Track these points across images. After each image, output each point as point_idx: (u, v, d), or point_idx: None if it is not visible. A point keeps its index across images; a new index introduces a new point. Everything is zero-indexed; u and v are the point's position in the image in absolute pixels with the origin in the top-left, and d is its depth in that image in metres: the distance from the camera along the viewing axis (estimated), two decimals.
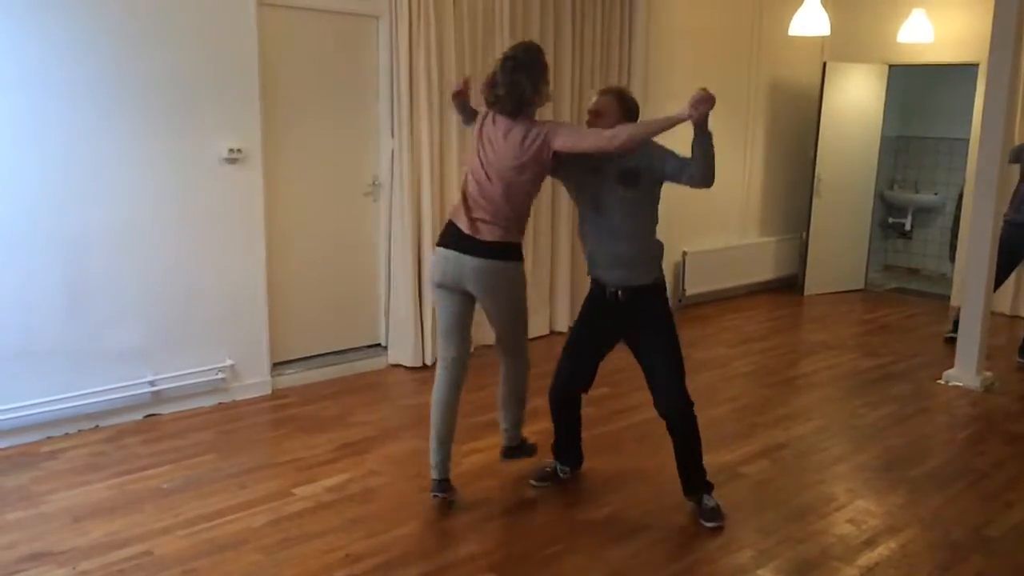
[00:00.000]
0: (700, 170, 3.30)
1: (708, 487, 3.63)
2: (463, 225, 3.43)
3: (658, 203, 3.52)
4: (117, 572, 3.09)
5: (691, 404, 3.52)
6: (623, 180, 3.39)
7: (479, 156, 3.46)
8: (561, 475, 3.88)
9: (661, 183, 3.46)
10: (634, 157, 3.37)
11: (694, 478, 3.62)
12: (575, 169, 3.50)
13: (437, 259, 3.52)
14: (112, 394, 4.42)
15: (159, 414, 4.60)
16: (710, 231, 7.56)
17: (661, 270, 3.56)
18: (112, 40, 4.21)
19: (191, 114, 4.50)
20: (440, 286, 3.52)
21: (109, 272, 4.36)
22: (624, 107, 3.49)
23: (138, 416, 4.53)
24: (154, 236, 4.48)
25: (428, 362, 5.52)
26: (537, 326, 6.20)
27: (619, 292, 3.47)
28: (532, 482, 3.85)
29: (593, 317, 3.62)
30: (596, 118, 3.45)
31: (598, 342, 3.64)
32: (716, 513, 3.55)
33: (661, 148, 3.41)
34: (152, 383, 4.55)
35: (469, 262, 3.41)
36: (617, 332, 3.60)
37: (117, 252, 4.37)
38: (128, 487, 3.76)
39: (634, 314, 3.50)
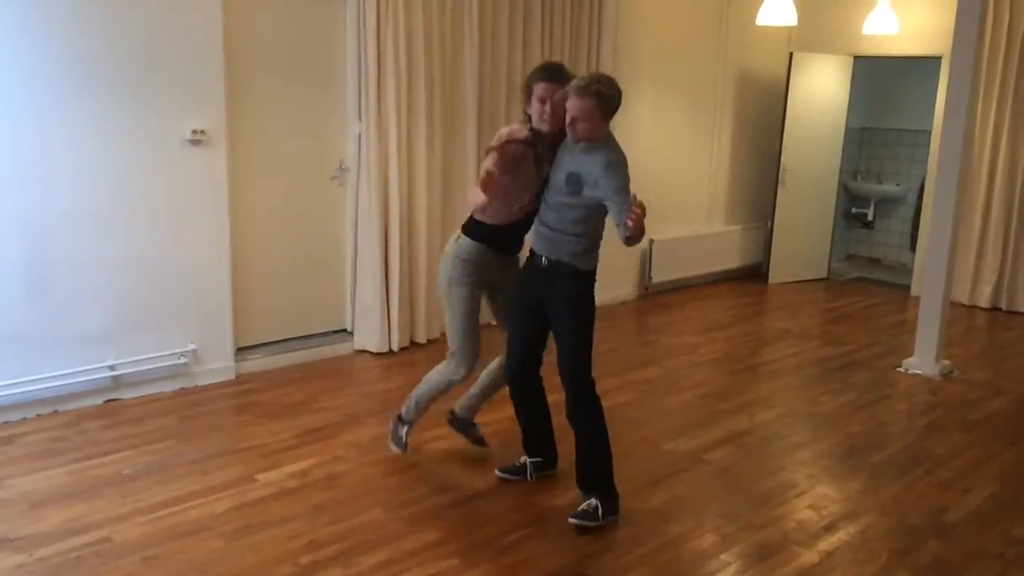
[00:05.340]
0: (625, 236, 3.20)
1: (600, 491, 3.46)
2: None
3: (603, 217, 3.40)
4: (75, 559, 3.04)
5: (585, 392, 3.44)
6: (568, 183, 3.34)
7: None
8: (530, 477, 3.77)
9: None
10: (584, 167, 3.31)
11: (582, 475, 3.52)
12: (553, 165, 3.45)
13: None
14: (72, 378, 4.35)
15: (120, 399, 4.53)
16: (676, 219, 7.59)
17: (584, 262, 3.42)
18: (74, 18, 4.11)
19: (154, 94, 4.42)
20: None
21: (69, 254, 4.27)
22: (605, 110, 3.26)
23: (98, 401, 4.46)
24: (116, 218, 4.40)
25: (394, 348, 5.49)
26: None
27: (543, 258, 3.43)
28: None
29: (524, 280, 3.59)
30: (577, 122, 3.23)
31: (527, 309, 3.56)
32: (588, 515, 3.40)
33: (613, 180, 3.26)
34: (113, 367, 4.48)
35: None
36: (540, 298, 3.51)
37: (78, 234, 4.29)
38: (87, 473, 3.71)
39: (549, 283, 3.44)
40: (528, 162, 3.43)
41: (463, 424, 3.98)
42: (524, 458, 3.82)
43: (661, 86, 7.14)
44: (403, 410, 3.91)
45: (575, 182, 3.33)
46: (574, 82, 3.26)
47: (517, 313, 3.63)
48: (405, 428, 3.91)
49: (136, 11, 4.30)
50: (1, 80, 3.97)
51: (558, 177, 3.39)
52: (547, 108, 3.35)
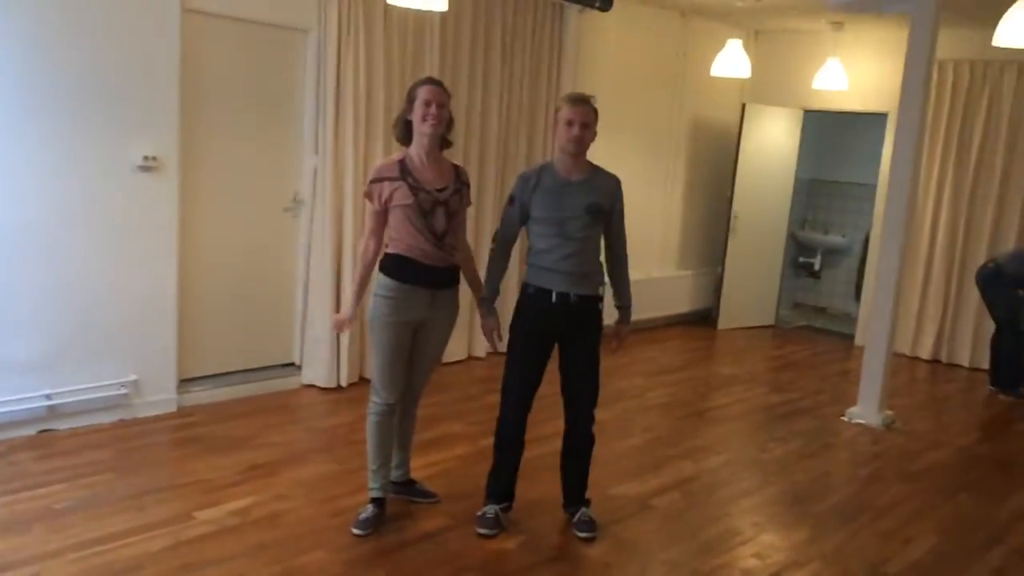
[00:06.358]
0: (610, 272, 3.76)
1: (588, 501, 3.82)
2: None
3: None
4: None
5: (594, 419, 3.73)
6: (591, 213, 3.53)
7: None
8: (505, 524, 3.70)
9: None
10: (602, 196, 3.56)
11: (580, 490, 3.81)
12: (544, 204, 3.55)
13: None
14: (5, 407, 4.20)
15: (55, 429, 4.38)
16: (629, 262, 7.62)
17: (601, 291, 3.69)
18: (26, 39, 4.04)
19: (106, 118, 4.34)
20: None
21: (8, 278, 4.15)
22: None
23: (32, 431, 4.31)
24: (59, 242, 4.29)
25: (343, 383, 5.42)
26: (454, 351, 6.15)
27: (571, 296, 3.55)
28: (483, 531, 3.62)
29: (535, 326, 3.62)
30: (584, 130, 3.50)
31: (542, 349, 3.64)
32: (593, 524, 3.72)
33: (622, 212, 3.68)
34: (48, 396, 4.34)
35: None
36: (556, 337, 3.63)
37: (18, 257, 4.17)
38: (17, 506, 3.57)
39: (577, 319, 3.61)
40: (401, 195, 3.43)
41: (403, 488, 3.86)
42: (492, 507, 3.71)
43: (617, 131, 7.21)
44: (368, 487, 3.68)
45: (598, 211, 3.55)
46: (569, 95, 3.60)
47: (526, 357, 3.63)
48: (371, 510, 3.62)
49: (90, 32, 4.24)
50: None
51: (571, 214, 3.51)
52: (431, 110, 3.43)
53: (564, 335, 3.62)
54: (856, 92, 7.71)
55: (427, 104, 3.42)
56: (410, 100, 3.48)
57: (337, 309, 5.35)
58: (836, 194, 9.17)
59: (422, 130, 3.45)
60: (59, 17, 4.13)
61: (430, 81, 3.51)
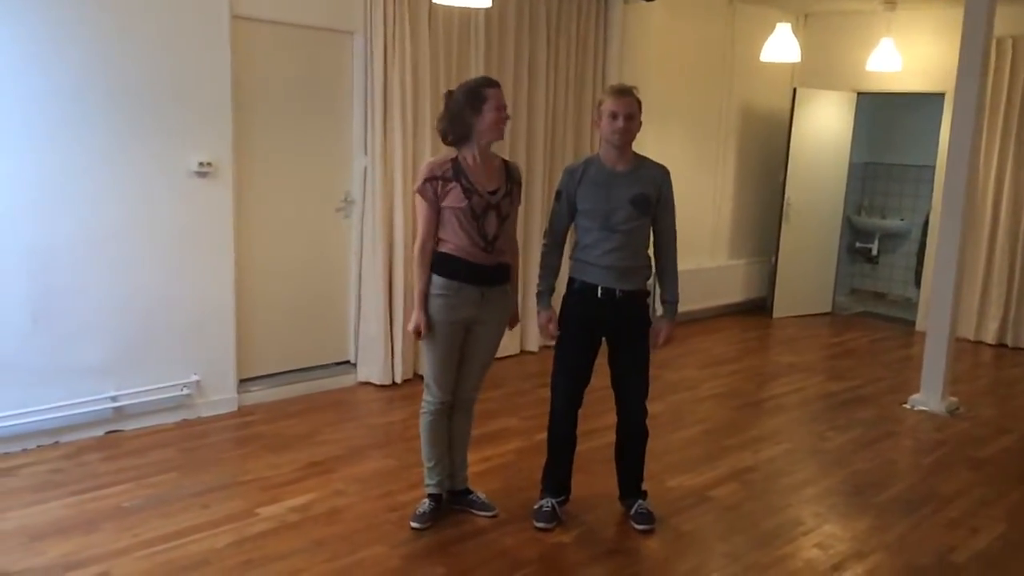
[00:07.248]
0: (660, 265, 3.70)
1: (644, 493, 3.78)
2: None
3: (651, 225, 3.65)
4: None
5: (647, 413, 3.69)
6: (636, 205, 3.49)
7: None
8: (562, 517, 3.70)
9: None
10: (647, 186, 3.52)
11: (635, 483, 3.78)
12: (590, 196, 3.52)
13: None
14: (73, 409, 4.32)
15: (121, 430, 4.51)
16: (680, 252, 7.52)
17: (649, 286, 3.66)
18: (82, 50, 4.15)
19: (161, 126, 4.45)
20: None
21: (74, 285, 4.27)
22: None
23: (99, 432, 4.44)
24: (121, 249, 4.40)
25: (397, 380, 5.47)
26: (507, 346, 6.16)
27: (616, 291, 3.51)
28: (540, 525, 3.62)
29: (582, 319, 3.59)
30: (629, 121, 3.47)
31: (590, 344, 3.62)
32: (650, 517, 3.68)
33: (671, 202, 3.62)
34: (114, 399, 4.46)
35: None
36: (602, 332, 3.61)
37: (83, 265, 4.29)
38: (87, 505, 3.68)
39: (624, 314, 3.56)
40: (454, 197, 3.40)
41: (459, 498, 3.77)
42: (549, 501, 3.70)
43: (666, 121, 7.16)
44: (424, 484, 3.71)
45: (644, 201, 3.50)
46: (612, 87, 3.61)
47: (573, 353, 3.62)
48: (428, 504, 3.66)
49: (144, 42, 4.34)
50: (8, 112, 4.00)
51: (616, 205, 3.47)
52: (504, 114, 3.40)
53: (611, 330, 3.60)
54: (911, 72, 7.53)
55: (500, 109, 3.39)
56: (478, 101, 3.37)
57: (390, 306, 5.41)
58: (893, 177, 8.97)
59: (492, 136, 3.42)
60: (113, 27, 4.24)
61: (496, 84, 3.45)
